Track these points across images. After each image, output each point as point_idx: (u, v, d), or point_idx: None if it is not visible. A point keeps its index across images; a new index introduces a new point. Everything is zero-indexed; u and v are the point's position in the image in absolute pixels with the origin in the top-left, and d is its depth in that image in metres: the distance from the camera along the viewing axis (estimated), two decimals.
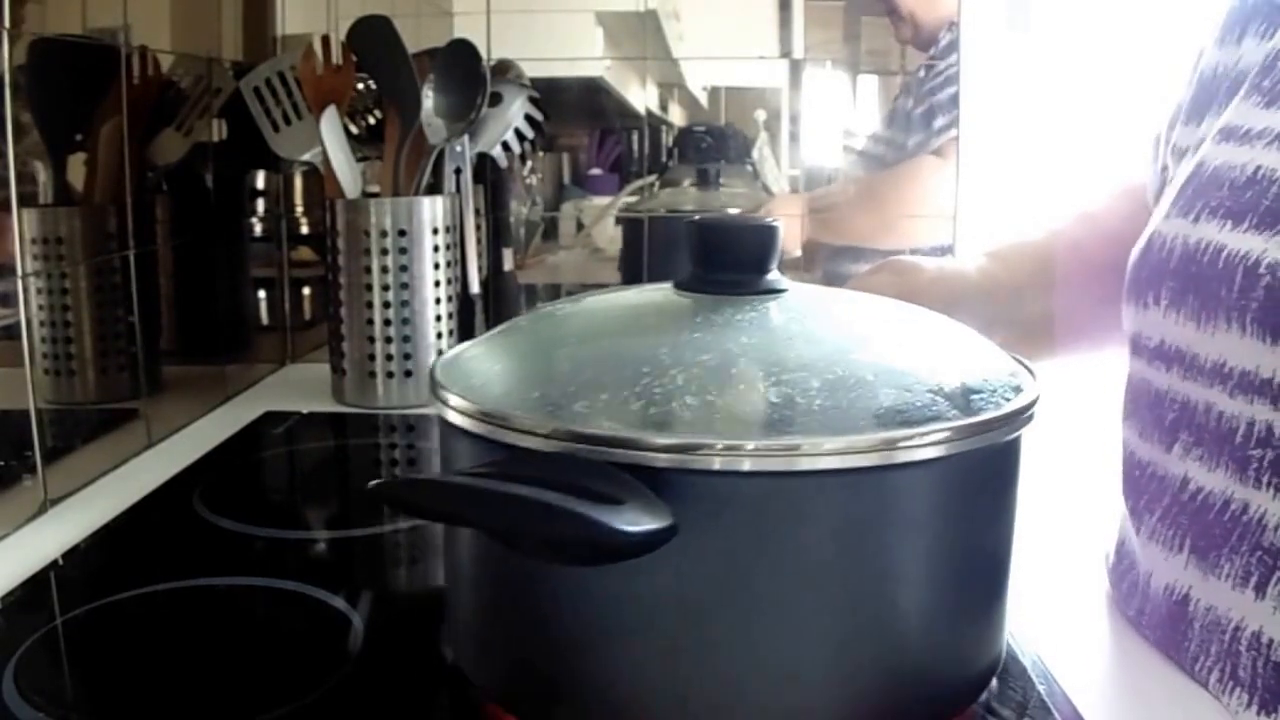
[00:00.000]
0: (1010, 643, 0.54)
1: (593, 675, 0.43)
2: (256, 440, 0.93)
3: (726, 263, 0.50)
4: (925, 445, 0.41)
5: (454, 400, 0.45)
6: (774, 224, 0.50)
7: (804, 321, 0.48)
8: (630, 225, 1.30)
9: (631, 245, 1.29)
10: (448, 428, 0.46)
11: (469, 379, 0.47)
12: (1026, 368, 0.50)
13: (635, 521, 0.37)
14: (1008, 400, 0.45)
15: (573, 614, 0.43)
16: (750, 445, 0.40)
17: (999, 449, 0.44)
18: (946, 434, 0.42)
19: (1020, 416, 0.45)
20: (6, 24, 0.70)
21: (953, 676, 0.46)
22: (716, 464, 0.40)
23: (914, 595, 0.43)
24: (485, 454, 0.44)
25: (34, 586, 0.63)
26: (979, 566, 0.46)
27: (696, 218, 0.51)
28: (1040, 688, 0.51)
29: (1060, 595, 0.63)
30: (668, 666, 0.42)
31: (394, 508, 0.49)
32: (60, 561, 0.66)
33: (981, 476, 0.45)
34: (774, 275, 0.50)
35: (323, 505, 0.82)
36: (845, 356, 0.44)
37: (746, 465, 0.40)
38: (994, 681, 0.50)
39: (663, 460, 0.39)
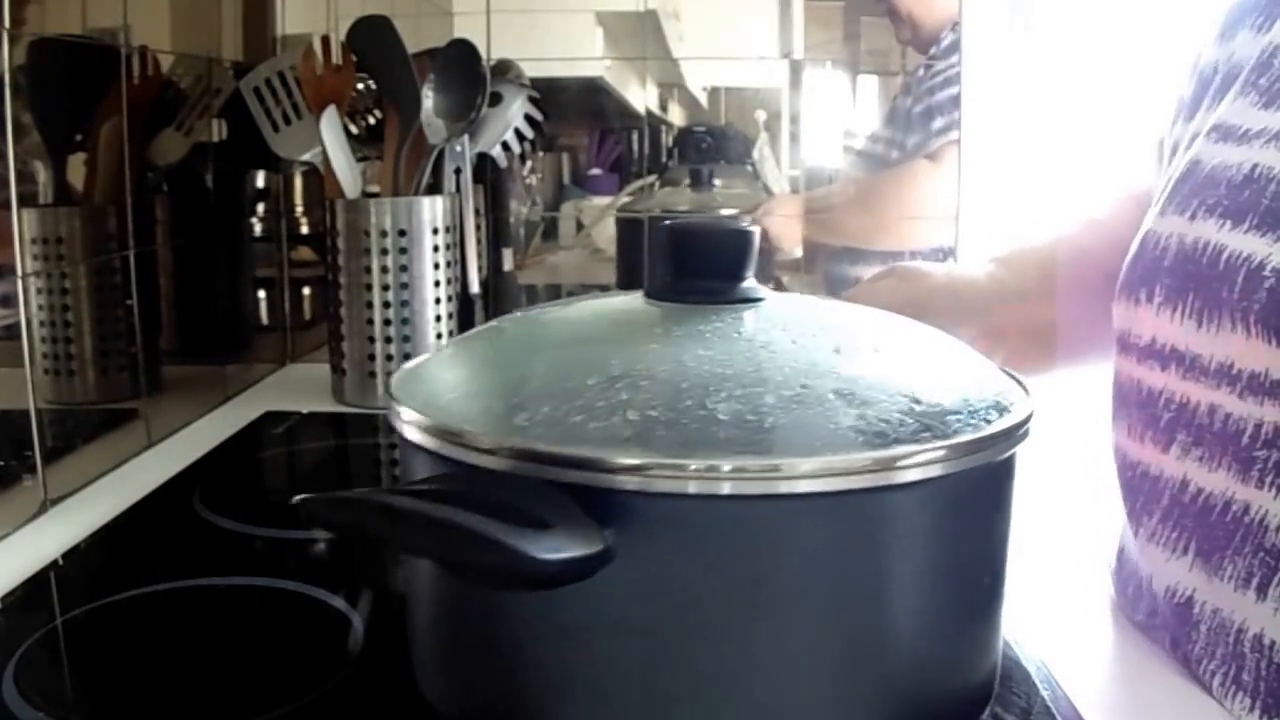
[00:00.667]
0: (1013, 648, 0.54)
1: (560, 709, 0.41)
2: (256, 440, 0.93)
3: (698, 269, 0.47)
4: (901, 468, 0.39)
5: (404, 412, 0.44)
6: (749, 229, 0.48)
7: (777, 332, 0.45)
8: (627, 226, 1.30)
9: (628, 246, 1.29)
10: (402, 440, 0.45)
11: (426, 390, 0.45)
12: (1019, 383, 0.48)
13: (558, 549, 0.35)
14: (990, 421, 0.42)
15: (535, 646, 0.41)
16: (693, 466, 0.37)
17: (980, 471, 0.42)
18: (922, 457, 0.39)
19: (1003, 438, 0.42)
20: (7, 24, 0.70)
21: (942, 702, 0.44)
22: (660, 485, 0.37)
23: (893, 621, 0.41)
24: (433, 468, 0.42)
25: (34, 586, 0.63)
26: (965, 590, 0.44)
27: (667, 222, 0.48)
28: (1044, 693, 0.51)
29: (1063, 600, 0.63)
30: (619, 696, 0.40)
31: (317, 525, 0.47)
32: (60, 561, 0.66)
33: (963, 500, 0.42)
34: (749, 283, 0.48)
35: None
36: (818, 371, 0.42)
37: (692, 487, 0.37)
38: (995, 687, 0.50)
39: (604, 480, 0.37)
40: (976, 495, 0.43)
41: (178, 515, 0.75)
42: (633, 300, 0.49)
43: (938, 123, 1.26)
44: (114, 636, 0.57)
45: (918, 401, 0.42)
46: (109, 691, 0.52)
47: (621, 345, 0.44)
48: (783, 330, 0.45)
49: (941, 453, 0.40)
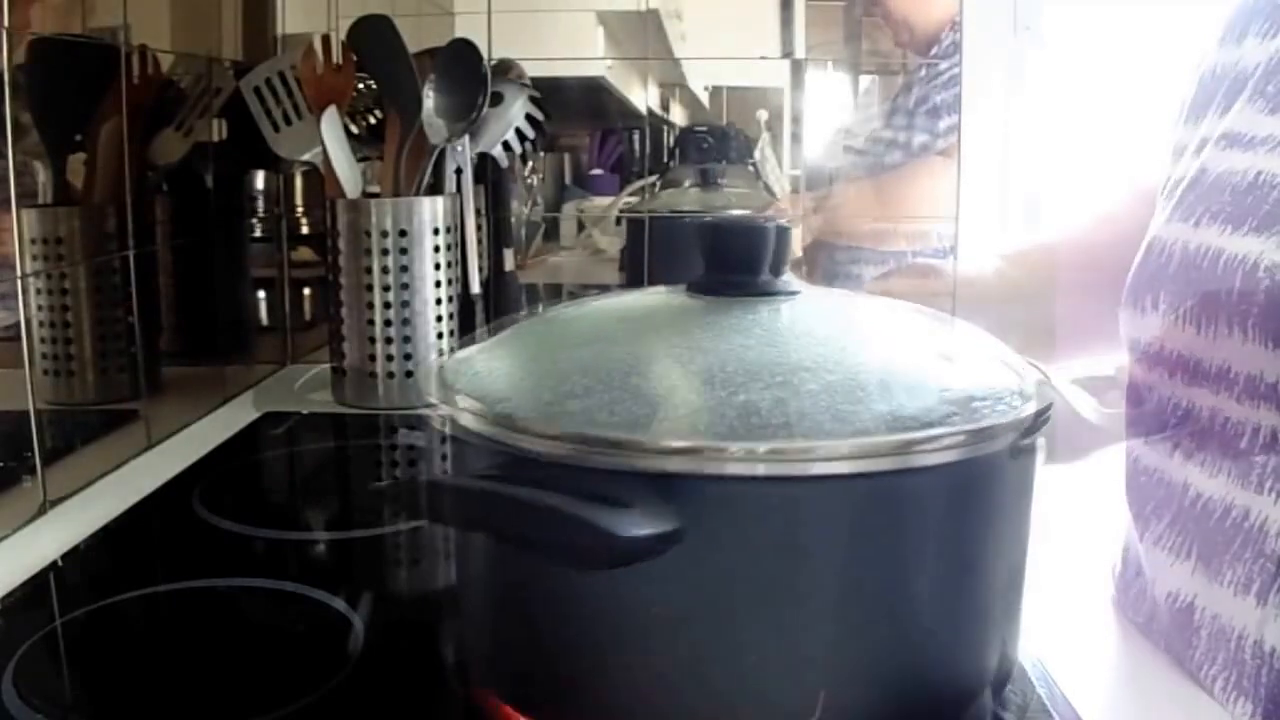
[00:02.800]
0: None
1: (603, 678, 0.43)
2: (256, 441, 0.93)
3: (739, 264, 0.50)
4: (932, 450, 0.41)
5: (463, 402, 0.45)
6: (786, 225, 0.50)
7: (816, 323, 0.48)
8: (632, 225, 1.30)
9: (634, 245, 1.29)
10: (457, 430, 0.46)
11: (476, 381, 0.47)
12: (1042, 373, 0.49)
13: (638, 525, 0.37)
14: (1016, 407, 0.44)
15: (584, 618, 0.43)
16: (762, 449, 0.39)
17: (1006, 456, 0.44)
18: (954, 439, 0.41)
19: (1026, 423, 0.44)
20: (6, 24, 0.70)
21: (959, 680, 0.45)
22: (724, 468, 0.39)
23: (920, 599, 0.43)
24: (493, 458, 0.44)
25: (33, 588, 0.62)
26: (987, 572, 0.45)
27: (708, 218, 0.51)
28: (1040, 691, 0.50)
29: (1063, 599, 0.63)
30: (676, 670, 0.41)
31: (404, 510, 0.50)
32: (60, 563, 0.66)
33: (990, 483, 0.44)
34: (786, 277, 0.50)
35: (323, 506, 0.82)
36: (858, 360, 0.44)
37: (757, 469, 0.39)
38: (994, 686, 0.49)
39: (671, 464, 0.39)
40: (1004, 479, 0.45)
41: (177, 516, 0.74)
42: (675, 294, 0.51)
43: (945, 121, 1.26)
44: (114, 638, 0.57)
45: (954, 386, 0.44)
46: (108, 693, 0.52)
47: (674, 337, 0.46)
48: (822, 321, 0.48)
49: (964, 436, 0.42)
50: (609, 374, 0.44)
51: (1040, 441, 0.46)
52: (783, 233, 0.50)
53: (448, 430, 0.45)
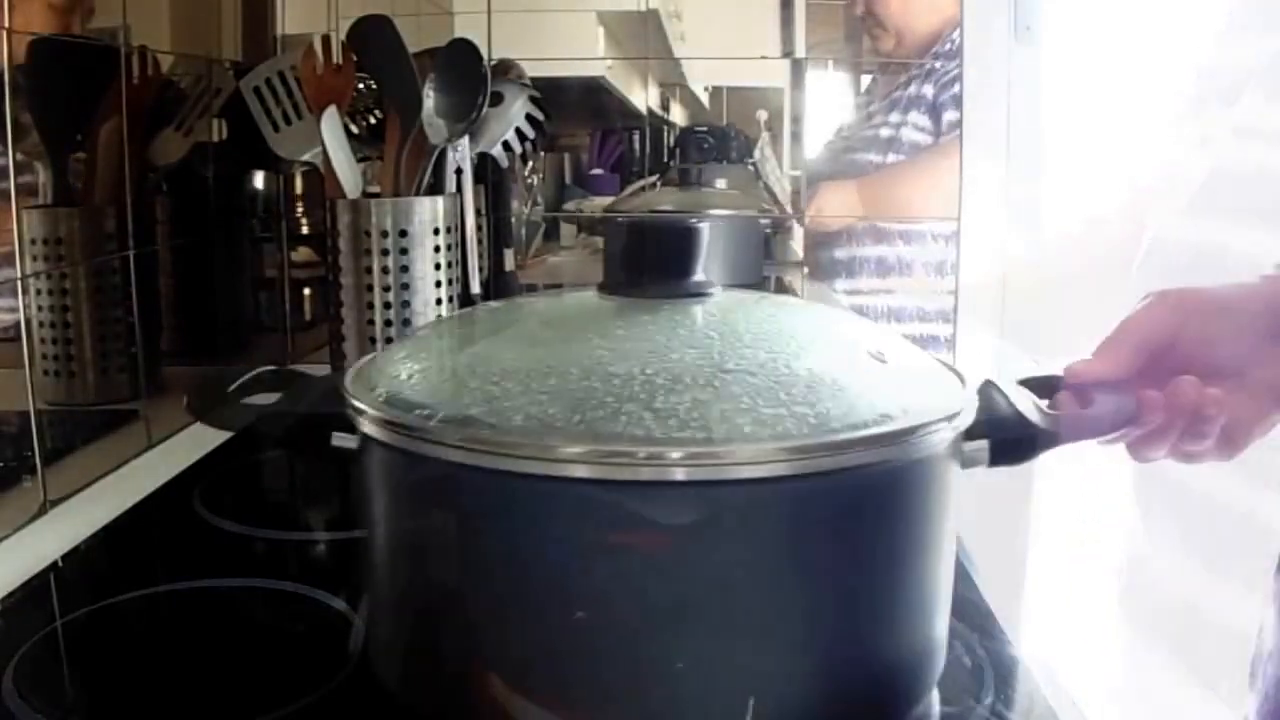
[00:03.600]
0: (1015, 646, 0.53)
1: (527, 684, 0.42)
2: (257, 442, 0.93)
3: (649, 265, 0.49)
4: (858, 453, 0.40)
5: (374, 407, 0.45)
6: (698, 226, 0.50)
7: (738, 325, 0.47)
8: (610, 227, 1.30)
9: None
10: (370, 433, 0.46)
11: (392, 384, 0.47)
12: (959, 378, 0.49)
13: None
14: (949, 410, 0.44)
15: (507, 622, 0.42)
16: (675, 454, 0.39)
17: (946, 458, 0.44)
18: (880, 443, 0.41)
19: (961, 426, 0.44)
20: (6, 24, 0.70)
21: (867, 697, 0.45)
22: (638, 474, 0.39)
23: (848, 605, 0.43)
24: (391, 462, 0.44)
25: (33, 588, 0.62)
26: (921, 577, 0.45)
27: (619, 219, 0.50)
28: (1045, 691, 0.50)
29: (1066, 598, 0.63)
30: (598, 677, 0.41)
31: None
32: (60, 563, 0.66)
33: (924, 486, 0.44)
34: (699, 278, 0.50)
35: (323, 506, 0.82)
36: (784, 362, 0.44)
37: (674, 474, 0.39)
38: (996, 685, 0.49)
39: (587, 471, 0.39)
40: (943, 481, 0.45)
41: (178, 516, 0.74)
42: (587, 295, 0.51)
43: (946, 120, 1.26)
44: (114, 638, 0.57)
45: (876, 390, 0.43)
46: (109, 693, 0.52)
47: (572, 339, 0.46)
48: (731, 323, 0.47)
49: (890, 439, 0.41)
50: (526, 376, 0.43)
51: (983, 444, 0.46)
52: (693, 232, 0.50)
53: (368, 432, 0.45)
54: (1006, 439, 0.48)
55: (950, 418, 0.44)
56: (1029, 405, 0.49)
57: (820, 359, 0.45)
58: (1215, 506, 0.50)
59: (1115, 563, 0.63)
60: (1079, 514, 0.73)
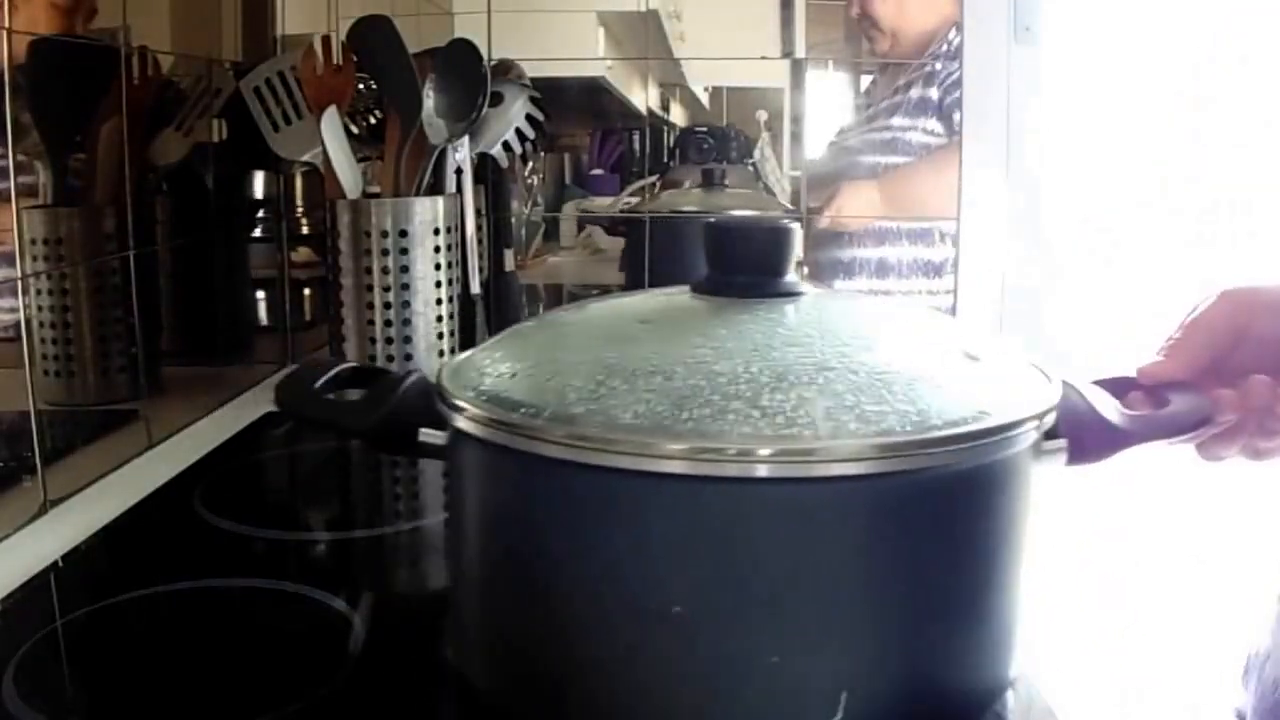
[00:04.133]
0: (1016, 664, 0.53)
1: (619, 681, 0.43)
2: (257, 441, 0.93)
3: (744, 264, 0.50)
4: (959, 449, 0.41)
5: (464, 406, 0.45)
6: (790, 226, 0.50)
7: (833, 323, 0.48)
8: (633, 226, 1.30)
9: (634, 246, 1.29)
10: (457, 434, 0.46)
11: (479, 384, 0.47)
12: (1046, 377, 0.49)
13: None
14: (1039, 406, 0.45)
15: (594, 618, 0.43)
16: (764, 451, 0.40)
17: (1029, 456, 0.44)
18: (983, 438, 0.41)
19: (1050, 423, 0.44)
20: (7, 24, 0.70)
21: (954, 691, 0.45)
22: (729, 470, 0.40)
23: (946, 599, 0.43)
24: (497, 461, 0.44)
25: (34, 588, 0.62)
26: (1008, 573, 0.45)
27: (713, 219, 0.51)
28: (1046, 692, 0.50)
29: (1068, 605, 0.62)
30: (698, 671, 0.42)
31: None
32: (60, 563, 0.66)
33: (1013, 483, 0.44)
34: (790, 278, 0.50)
35: (323, 506, 0.82)
36: (881, 359, 0.44)
37: (786, 471, 0.40)
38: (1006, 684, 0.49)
39: (667, 466, 0.40)
40: (1026, 479, 0.45)
41: (178, 517, 0.74)
42: (681, 295, 0.51)
43: (946, 120, 1.27)
44: (114, 638, 0.57)
45: (973, 387, 0.44)
46: (109, 693, 0.52)
47: (671, 340, 0.46)
48: (836, 321, 0.48)
49: (992, 434, 0.42)
50: (631, 375, 0.43)
51: (1062, 443, 0.46)
52: (786, 232, 0.50)
53: (468, 430, 0.45)
54: (1085, 439, 0.48)
55: (1041, 415, 0.45)
56: (1108, 405, 0.49)
57: (916, 356, 0.46)
58: (1213, 505, 0.50)
59: (1113, 563, 0.63)
60: (1076, 514, 0.73)
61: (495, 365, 0.48)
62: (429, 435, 0.49)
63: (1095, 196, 1.52)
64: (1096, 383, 0.53)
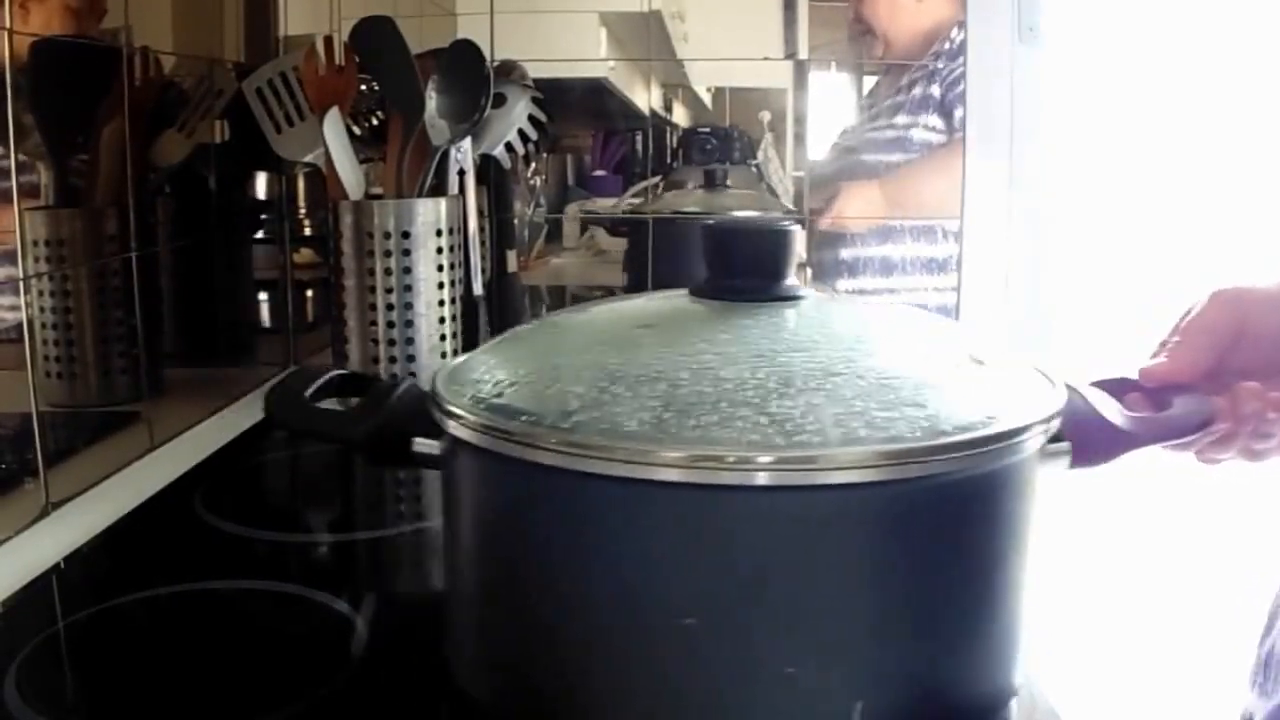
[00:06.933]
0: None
1: (626, 692, 0.42)
2: (259, 443, 0.93)
3: (745, 268, 0.49)
4: (969, 454, 0.41)
5: (460, 413, 0.45)
6: (790, 228, 0.49)
7: (836, 328, 0.47)
8: (635, 227, 1.29)
9: (636, 248, 1.29)
10: (453, 442, 0.46)
11: (476, 391, 0.46)
12: (1050, 381, 0.49)
13: None
14: (1044, 410, 0.44)
15: (602, 626, 0.42)
16: (765, 459, 0.39)
17: (1036, 460, 0.44)
18: (992, 443, 0.41)
19: (1056, 427, 0.44)
20: (7, 24, 0.70)
21: (962, 698, 0.45)
22: (730, 478, 0.39)
23: (957, 605, 0.43)
24: (493, 468, 0.43)
25: (36, 590, 0.62)
26: (1016, 577, 0.45)
27: (712, 220, 0.50)
28: (1046, 693, 0.50)
29: (1069, 605, 0.62)
30: (708, 681, 0.41)
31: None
32: (62, 565, 0.66)
33: (1019, 487, 0.44)
34: (791, 281, 0.49)
35: (325, 508, 0.81)
36: (886, 364, 0.44)
37: (791, 479, 0.39)
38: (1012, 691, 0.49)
39: (674, 475, 0.39)
40: (1032, 483, 0.45)
41: (180, 518, 0.74)
42: (680, 299, 0.50)
43: (949, 119, 1.26)
44: (116, 640, 0.57)
45: (979, 392, 0.44)
46: (111, 695, 0.51)
47: (672, 345, 0.46)
48: (826, 327, 0.47)
49: (1001, 439, 0.42)
50: (635, 381, 0.43)
51: (1066, 446, 0.46)
52: (786, 235, 0.49)
53: (465, 438, 0.45)
54: (1088, 441, 0.47)
55: (1048, 419, 0.44)
56: (1110, 408, 0.49)
57: (922, 361, 0.46)
58: (1220, 506, 0.50)
59: (1117, 566, 0.62)
60: (1080, 514, 0.73)
61: (492, 371, 0.47)
62: (423, 445, 0.48)
63: (1099, 195, 1.52)
64: (1096, 383, 0.53)
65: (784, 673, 0.40)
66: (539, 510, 0.43)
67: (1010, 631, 0.46)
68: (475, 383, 0.47)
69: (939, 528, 0.42)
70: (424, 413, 0.47)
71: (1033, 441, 0.43)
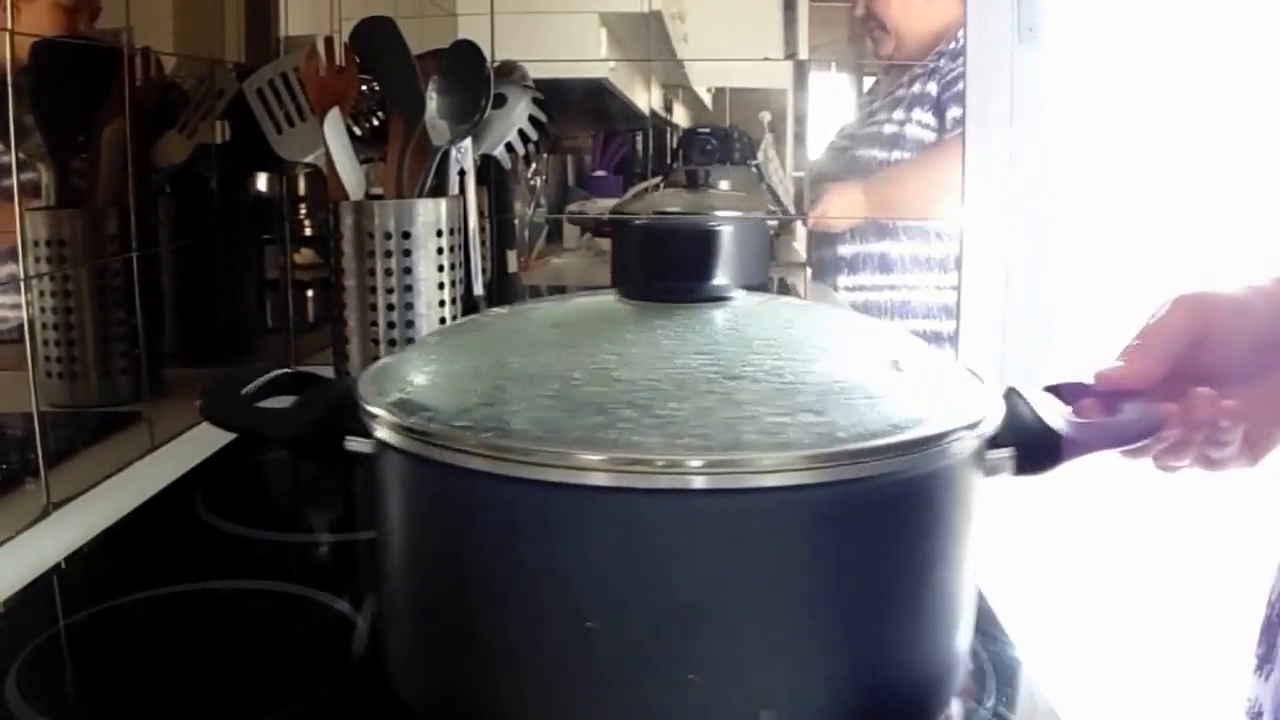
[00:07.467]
0: (1015, 649, 0.53)
1: (539, 696, 0.42)
2: (260, 444, 0.93)
3: (667, 268, 0.49)
4: (868, 463, 0.40)
5: (374, 411, 0.45)
6: (717, 228, 0.49)
7: (753, 330, 0.47)
8: (620, 228, 1.29)
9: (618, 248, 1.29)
10: (376, 441, 0.46)
11: (398, 388, 0.46)
12: (983, 386, 0.48)
13: None
14: (969, 419, 0.43)
15: (517, 629, 0.42)
16: (662, 462, 0.39)
17: (970, 467, 0.43)
18: (887, 453, 0.40)
19: (986, 436, 0.44)
20: (9, 25, 0.70)
21: (890, 710, 0.44)
22: (630, 481, 0.39)
23: (868, 614, 0.42)
24: (400, 465, 0.44)
25: (36, 590, 0.62)
26: (942, 587, 0.44)
27: (636, 222, 0.50)
28: (1047, 693, 0.50)
29: (1069, 605, 0.62)
30: (612, 687, 0.41)
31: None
32: (63, 565, 0.66)
33: (946, 496, 0.43)
34: (719, 281, 0.49)
35: (326, 508, 0.81)
36: (797, 368, 0.43)
37: (661, 482, 0.39)
38: (999, 687, 0.49)
39: (589, 478, 0.39)
40: (966, 491, 0.44)
41: (181, 518, 0.74)
42: (605, 299, 0.50)
43: (948, 119, 1.27)
44: (117, 640, 0.57)
45: (891, 398, 0.43)
46: (112, 695, 0.52)
47: (579, 346, 0.46)
48: (757, 329, 0.47)
49: (899, 449, 0.41)
50: (530, 381, 0.43)
51: (1008, 453, 0.45)
52: (714, 235, 0.49)
53: (381, 436, 0.45)
54: (1031, 447, 0.47)
55: (971, 426, 0.43)
56: (1054, 413, 0.48)
57: (836, 365, 0.45)
58: (1215, 501, 0.50)
59: (1117, 561, 0.62)
60: (1079, 512, 0.73)
61: (415, 369, 0.48)
62: (354, 443, 0.47)
63: (1099, 195, 1.52)
64: (1051, 388, 0.52)
65: (686, 680, 0.40)
66: (436, 506, 0.44)
67: (940, 640, 0.45)
68: (398, 380, 0.47)
69: (847, 534, 0.41)
70: (356, 411, 0.47)
71: (958, 447, 0.42)
